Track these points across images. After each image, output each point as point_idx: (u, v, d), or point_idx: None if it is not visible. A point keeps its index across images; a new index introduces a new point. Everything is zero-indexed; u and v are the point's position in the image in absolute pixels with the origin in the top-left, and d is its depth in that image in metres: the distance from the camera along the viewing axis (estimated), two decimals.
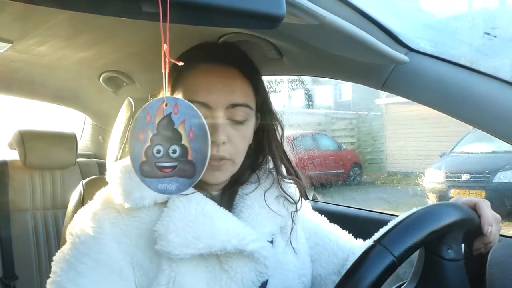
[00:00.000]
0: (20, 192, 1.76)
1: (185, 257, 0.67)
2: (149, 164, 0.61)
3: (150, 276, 0.69)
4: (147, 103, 0.60)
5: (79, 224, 0.73)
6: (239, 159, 0.78)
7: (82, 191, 1.04)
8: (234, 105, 0.74)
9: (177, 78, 0.76)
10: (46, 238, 1.77)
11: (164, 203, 0.73)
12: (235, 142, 0.76)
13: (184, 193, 0.72)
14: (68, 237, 0.72)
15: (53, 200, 1.83)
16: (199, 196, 0.74)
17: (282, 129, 0.86)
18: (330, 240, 0.91)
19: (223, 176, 0.77)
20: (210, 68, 0.75)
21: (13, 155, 1.82)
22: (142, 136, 0.60)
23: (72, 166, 1.90)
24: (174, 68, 0.73)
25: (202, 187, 0.78)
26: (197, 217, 0.70)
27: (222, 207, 0.75)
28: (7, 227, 1.69)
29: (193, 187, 0.73)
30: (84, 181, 1.07)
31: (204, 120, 0.59)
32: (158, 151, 0.60)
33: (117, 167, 0.76)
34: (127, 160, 0.76)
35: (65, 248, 0.71)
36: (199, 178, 0.60)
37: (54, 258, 0.71)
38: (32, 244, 1.74)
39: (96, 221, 0.71)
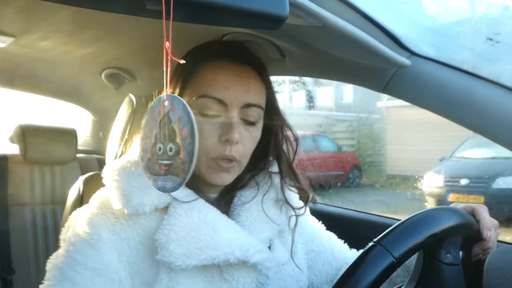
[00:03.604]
0: (19, 186, 1.76)
1: (187, 268, 0.65)
2: (153, 161, 0.61)
3: (149, 283, 0.67)
4: (153, 100, 0.59)
5: (74, 230, 0.69)
6: (245, 161, 0.77)
7: (81, 187, 1.04)
8: (249, 105, 0.73)
9: (191, 72, 0.74)
10: (44, 233, 1.77)
11: (165, 209, 0.70)
12: (246, 144, 0.74)
13: (186, 199, 0.70)
14: (62, 243, 0.69)
15: (52, 195, 1.83)
16: (201, 203, 0.72)
17: (291, 130, 0.83)
18: (326, 249, 0.89)
19: (229, 178, 0.74)
20: (228, 65, 0.73)
21: (13, 149, 1.82)
22: (150, 133, 0.61)
23: (72, 162, 1.90)
24: (186, 62, 0.70)
25: (201, 189, 0.76)
26: (199, 226, 0.68)
27: (225, 215, 0.73)
28: (6, 221, 1.69)
29: (193, 190, 0.73)
30: (83, 177, 1.06)
31: (194, 118, 0.58)
32: (159, 149, 0.61)
33: (115, 168, 0.73)
34: (124, 160, 0.74)
35: (59, 255, 0.68)
36: (187, 178, 0.59)
37: (47, 263, 0.68)
38: (30, 239, 1.74)
39: (93, 227, 0.68)
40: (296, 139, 0.84)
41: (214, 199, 0.79)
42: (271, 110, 0.81)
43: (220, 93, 0.71)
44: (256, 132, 0.76)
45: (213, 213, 0.71)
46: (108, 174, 0.73)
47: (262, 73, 0.77)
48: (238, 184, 0.81)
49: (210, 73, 0.73)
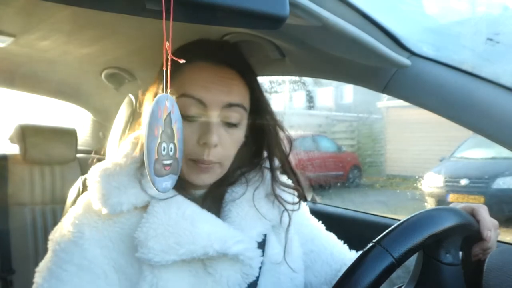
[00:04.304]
0: (19, 186, 1.76)
1: (167, 264, 0.66)
2: (159, 162, 0.61)
3: (133, 281, 0.67)
4: (157, 97, 0.59)
5: (60, 230, 0.71)
6: (228, 162, 0.76)
7: (80, 187, 1.04)
8: (230, 105, 0.72)
9: (173, 71, 0.74)
10: (44, 233, 1.77)
11: (144, 208, 0.71)
12: (226, 146, 0.74)
13: (164, 196, 0.71)
14: (49, 244, 0.71)
15: (52, 195, 1.83)
16: (179, 199, 0.72)
17: (276, 130, 0.82)
18: (325, 249, 0.89)
19: (210, 178, 0.75)
20: (209, 66, 0.73)
21: (13, 149, 1.82)
22: (156, 131, 0.59)
23: (72, 162, 1.90)
24: (173, 62, 0.71)
25: (185, 187, 0.76)
26: (177, 221, 0.69)
27: (205, 209, 0.73)
28: (6, 221, 1.69)
29: (174, 189, 0.72)
30: (83, 177, 1.06)
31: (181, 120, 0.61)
32: (164, 148, 0.61)
33: (97, 170, 0.74)
34: (106, 163, 0.75)
35: (47, 256, 0.70)
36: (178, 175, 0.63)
37: (37, 267, 0.69)
38: (30, 239, 1.74)
39: (76, 226, 0.70)
40: (289, 138, 0.84)
41: (200, 197, 0.79)
42: (260, 110, 0.80)
43: (200, 93, 0.71)
44: (237, 134, 0.76)
45: (191, 209, 0.71)
46: (91, 175, 0.74)
47: (245, 74, 0.76)
48: (226, 181, 0.81)
49: (190, 73, 0.73)
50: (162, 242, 0.66)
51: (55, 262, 0.67)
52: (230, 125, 0.74)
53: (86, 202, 0.73)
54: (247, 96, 0.77)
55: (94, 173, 0.74)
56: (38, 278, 0.68)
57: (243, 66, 0.77)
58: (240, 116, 0.74)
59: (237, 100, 0.73)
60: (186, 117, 0.71)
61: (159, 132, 0.59)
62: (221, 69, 0.74)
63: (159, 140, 0.59)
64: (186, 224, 0.69)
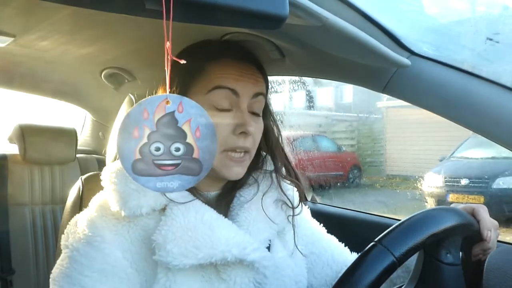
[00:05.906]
0: (19, 186, 1.76)
1: (184, 268, 0.66)
2: (145, 162, 0.59)
3: (150, 282, 0.67)
4: (143, 99, 0.59)
5: (75, 235, 0.70)
6: (254, 152, 0.79)
7: (81, 187, 1.03)
8: (257, 94, 0.77)
9: (196, 70, 0.75)
10: (44, 233, 1.77)
11: (163, 211, 0.71)
12: (255, 135, 0.77)
13: (183, 200, 0.71)
14: (64, 251, 0.69)
15: (52, 195, 1.83)
16: (197, 204, 0.72)
17: (278, 129, 0.87)
18: (326, 251, 0.90)
19: (242, 171, 0.76)
20: (235, 63, 0.76)
21: (13, 149, 1.82)
22: (137, 132, 0.58)
23: (72, 162, 1.90)
24: (193, 61, 0.70)
25: (200, 188, 0.76)
26: (196, 225, 0.69)
27: (222, 215, 0.73)
28: (5, 221, 1.69)
29: (190, 191, 0.73)
30: (83, 177, 1.06)
31: (211, 120, 0.59)
32: (158, 149, 0.59)
33: (112, 170, 0.73)
34: (120, 163, 0.75)
35: (62, 263, 0.68)
36: (204, 176, 0.60)
37: (51, 275, 0.68)
38: (30, 239, 1.74)
39: (95, 230, 0.68)
40: (278, 128, 0.87)
41: (213, 199, 0.79)
42: (265, 108, 0.83)
43: (234, 84, 0.74)
44: (261, 123, 0.79)
45: (209, 213, 0.72)
46: (106, 176, 0.73)
47: (262, 70, 0.81)
48: (238, 184, 0.81)
49: (220, 68, 0.75)
50: (181, 246, 0.66)
51: (76, 269, 0.66)
52: (256, 114, 0.78)
53: (100, 204, 0.73)
54: (266, 89, 0.82)
55: (110, 174, 0.73)
56: (56, 286, 0.66)
57: (259, 63, 0.82)
58: (262, 106, 0.79)
59: (262, 89, 0.78)
60: (217, 110, 0.74)
61: (142, 133, 0.58)
62: (244, 64, 0.77)
63: (144, 141, 0.58)
64: (204, 228, 0.69)
